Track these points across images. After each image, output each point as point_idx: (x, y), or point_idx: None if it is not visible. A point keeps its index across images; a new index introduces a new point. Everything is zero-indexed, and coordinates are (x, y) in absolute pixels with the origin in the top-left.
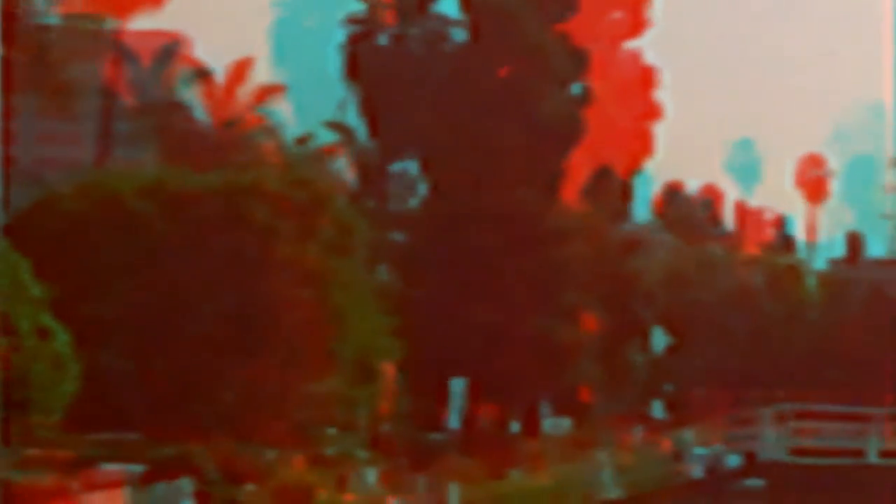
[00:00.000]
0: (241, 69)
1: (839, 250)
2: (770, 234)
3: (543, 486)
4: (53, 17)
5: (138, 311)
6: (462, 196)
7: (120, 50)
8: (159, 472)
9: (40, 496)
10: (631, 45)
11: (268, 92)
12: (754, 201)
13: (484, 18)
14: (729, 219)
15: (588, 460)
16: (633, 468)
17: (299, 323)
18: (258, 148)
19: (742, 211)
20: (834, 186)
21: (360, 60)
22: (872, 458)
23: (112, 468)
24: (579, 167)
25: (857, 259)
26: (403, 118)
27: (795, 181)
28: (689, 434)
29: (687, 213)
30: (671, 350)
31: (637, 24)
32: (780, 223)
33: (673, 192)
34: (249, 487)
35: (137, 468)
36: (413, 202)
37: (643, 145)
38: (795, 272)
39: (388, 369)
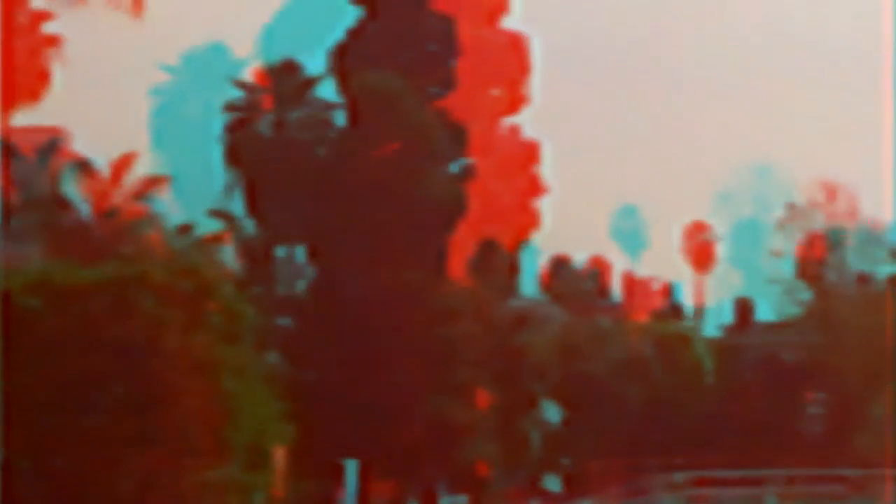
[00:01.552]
0: (123, 162)
1: (729, 315)
2: (659, 302)
3: None
4: None
5: (30, 408)
6: (348, 277)
7: (2, 146)
8: None
9: None
10: (511, 120)
11: (151, 183)
12: (641, 268)
13: (362, 100)
14: (617, 289)
15: None
16: None
17: (191, 411)
18: (142, 238)
19: (630, 280)
20: (721, 250)
21: (240, 147)
22: None
23: None
24: (464, 243)
25: (747, 324)
26: (287, 203)
27: (681, 248)
28: None
29: (575, 285)
30: (565, 423)
31: (516, 100)
32: (668, 291)
33: (560, 265)
34: None
35: None
36: (300, 286)
37: (527, 219)
38: (685, 339)
39: (282, 453)
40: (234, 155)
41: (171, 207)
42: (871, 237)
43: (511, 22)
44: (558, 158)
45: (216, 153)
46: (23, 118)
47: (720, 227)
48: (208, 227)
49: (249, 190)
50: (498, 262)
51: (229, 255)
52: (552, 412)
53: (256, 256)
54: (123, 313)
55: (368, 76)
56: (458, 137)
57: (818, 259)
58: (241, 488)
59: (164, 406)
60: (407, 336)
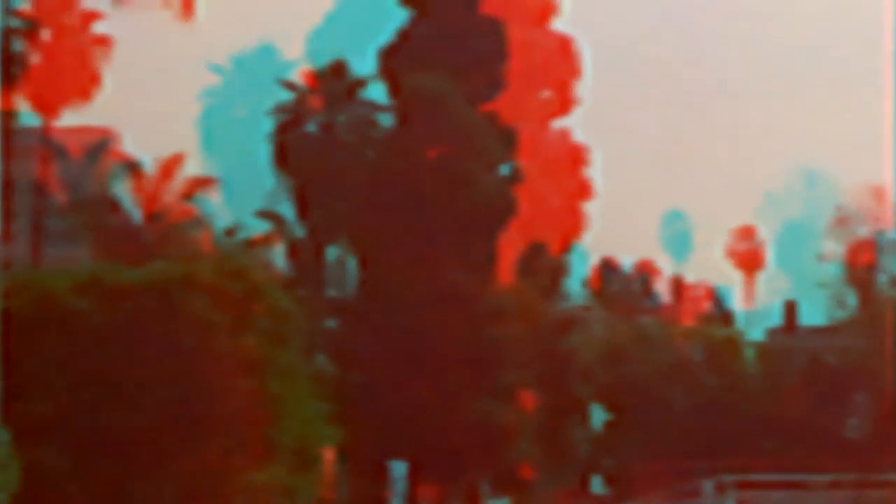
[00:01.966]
0: (171, 163)
1: (776, 318)
2: (706, 306)
3: None
4: None
5: (77, 408)
6: (396, 280)
7: (50, 146)
8: None
9: None
10: (560, 123)
11: (198, 184)
12: (688, 272)
13: (411, 103)
14: (664, 292)
15: None
16: None
17: (238, 412)
18: (189, 240)
19: (677, 284)
20: (768, 254)
21: (289, 149)
22: None
23: None
24: (512, 246)
25: (794, 328)
26: (336, 205)
27: (728, 252)
28: None
29: (622, 288)
30: (610, 425)
31: (565, 103)
32: (715, 295)
33: (607, 268)
34: None
35: None
36: (349, 288)
37: (575, 223)
38: (733, 343)
39: (328, 455)
40: (283, 156)
41: (219, 209)
42: None
43: (560, 24)
44: (607, 162)
45: (265, 155)
46: (72, 119)
47: (766, 231)
48: (257, 228)
49: (298, 192)
50: (545, 264)
51: (278, 257)
52: (598, 415)
53: (305, 258)
54: (171, 314)
55: (417, 78)
56: (506, 140)
57: (865, 263)
58: (288, 490)
59: (211, 407)
60: (454, 338)
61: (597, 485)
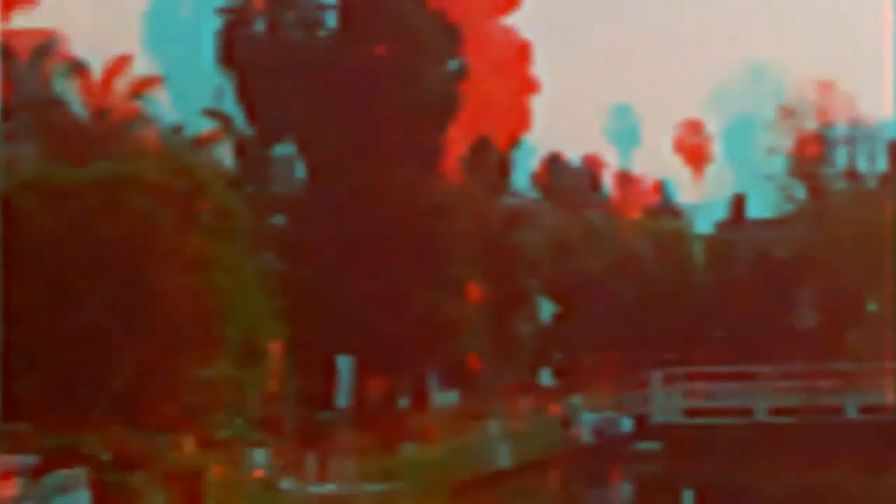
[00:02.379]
0: (117, 63)
1: (722, 212)
2: (652, 199)
3: (435, 459)
4: None
5: (24, 304)
6: (341, 176)
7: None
8: (52, 461)
9: None
10: (506, 19)
11: (144, 84)
12: (635, 167)
13: (357, 1)
14: (611, 186)
15: (478, 431)
16: (523, 436)
17: (185, 308)
18: (136, 138)
19: (623, 178)
20: (714, 148)
21: (235, 48)
22: (761, 415)
23: (4, 459)
24: (458, 142)
25: (742, 221)
26: (281, 103)
27: (675, 147)
28: (578, 400)
29: (568, 182)
30: (558, 318)
31: (510, 0)
32: (662, 188)
33: (553, 162)
34: (142, 473)
35: (30, 459)
36: (295, 185)
37: (521, 118)
38: (680, 236)
39: (276, 350)
40: (229, 55)
41: (165, 108)
42: (865, 134)
43: None
44: (553, 58)
45: (211, 54)
46: (20, 21)
47: (714, 124)
48: (203, 127)
49: (243, 90)
50: (491, 159)
51: (224, 156)
52: (545, 307)
53: (251, 156)
54: (117, 212)
55: None
56: (452, 37)
57: (812, 156)
58: (236, 384)
59: (158, 304)
60: (401, 233)
61: (545, 377)
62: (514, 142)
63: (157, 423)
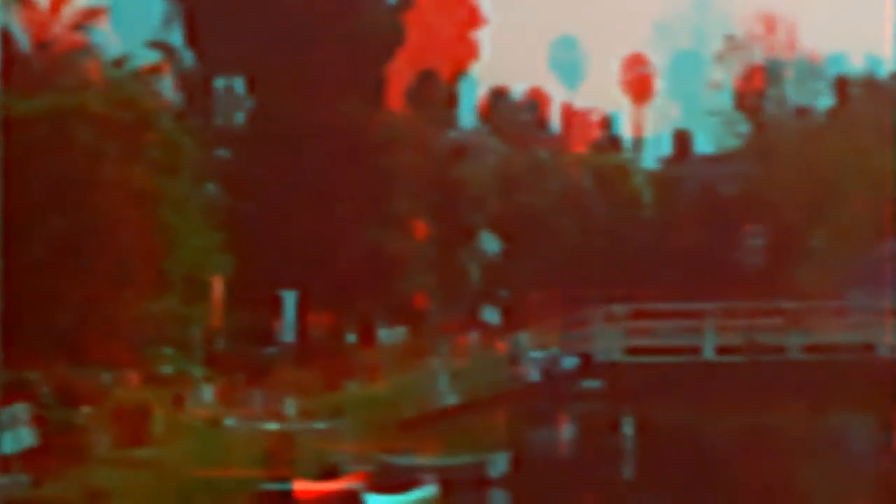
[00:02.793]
0: None
1: (667, 148)
2: (597, 134)
3: (380, 395)
4: None
5: None
6: (286, 110)
7: None
8: None
9: None
10: None
11: (88, 15)
12: (580, 101)
13: None
14: (556, 121)
15: (424, 368)
16: (469, 374)
17: (129, 243)
18: (80, 69)
19: (568, 112)
20: (659, 83)
21: None
22: (709, 354)
23: None
24: (403, 75)
25: (685, 156)
26: (226, 36)
27: (620, 81)
28: (523, 337)
29: (513, 116)
30: (503, 255)
31: None
32: (607, 123)
33: (498, 97)
34: (86, 410)
35: None
36: (239, 118)
37: (466, 51)
38: (624, 171)
39: (220, 285)
40: None
41: (109, 39)
42: (810, 70)
43: None
44: None
45: None
46: None
47: (658, 60)
48: (147, 58)
49: (188, 21)
50: (436, 93)
51: (167, 88)
52: (490, 243)
53: (195, 88)
54: (61, 144)
55: None
56: None
57: (757, 91)
58: (180, 319)
59: (102, 237)
60: (344, 167)
61: (491, 314)
62: (458, 75)
63: (101, 359)
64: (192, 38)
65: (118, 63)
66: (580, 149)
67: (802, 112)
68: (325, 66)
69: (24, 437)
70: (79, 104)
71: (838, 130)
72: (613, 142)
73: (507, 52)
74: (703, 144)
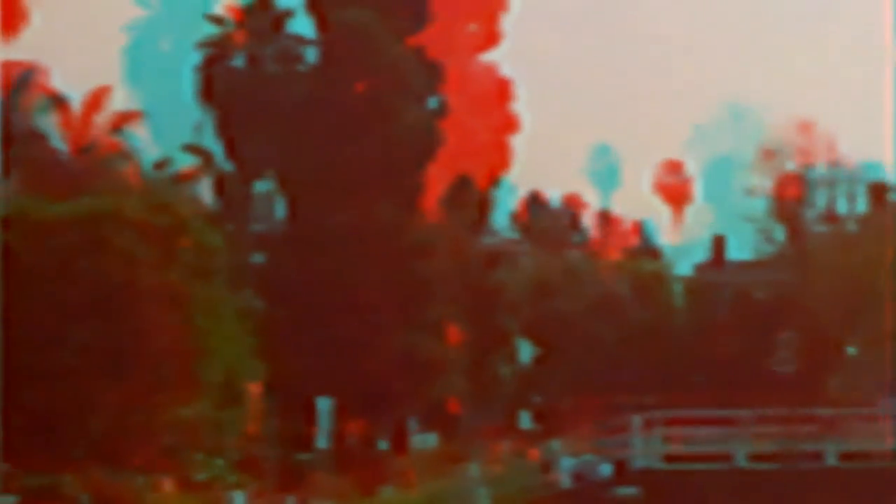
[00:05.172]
0: (97, 97)
1: (703, 253)
2: (633, 240)
3: (414, 502)
4: None
5: (3, 343)
6: (321, 214)
7: None
8: (32, 502)
9: None
10: (486, 57)
11: (124, 118)
12: (615, 207)
13: (338, 36)
14: (591, 226)
15: (457, 474)
16: (502, 480)
17: (164, 347)
18: (116, 174)
19: (604, 218)
20: (695, 189)
21: (214, 82)
22: (741, 461)
23: None
24: (438, 180)
25: (721, 263)
26: (261, 139)
27: (655, 186)
28: (557, 444)
29: (549, 222)
30: (538, 361)
31: (491, 36)
32: (643, 229)
33: (534, 202)
34: None
35: (10, 499)
36: (275, 223)
37: (501, 157)
38: (660, 277)
39: (255, 390)
40: (209, 90)
41: (146, 143)
42: (846, 176)
43: None
44: (534, 96)
45: (191, 88)
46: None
47: (694, 165)
48: (183, 162)
49: (223, 126)
50: (471, 198)
51: (204, 192)
52: (525, 349)
53: (231, 193)
54: (98, 248)
55: (344, 12)
56: (433, 73)
57: (793, 198)
58: (215, 425)
59: (137, 342)
60: (380, 272)
61: (525, 420)
62: (494, 180)
63: (136, 463)
64: (229, 143)
65: (156, 167)
66: (615, 255)
67: (838, 219)
68: (362, 170)
69: None
70: (115, 208)
71: (873, 237)
72: (650, 248)
73: (542, 157)
74: (740, 251)
